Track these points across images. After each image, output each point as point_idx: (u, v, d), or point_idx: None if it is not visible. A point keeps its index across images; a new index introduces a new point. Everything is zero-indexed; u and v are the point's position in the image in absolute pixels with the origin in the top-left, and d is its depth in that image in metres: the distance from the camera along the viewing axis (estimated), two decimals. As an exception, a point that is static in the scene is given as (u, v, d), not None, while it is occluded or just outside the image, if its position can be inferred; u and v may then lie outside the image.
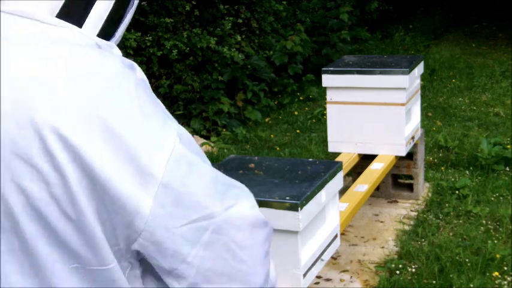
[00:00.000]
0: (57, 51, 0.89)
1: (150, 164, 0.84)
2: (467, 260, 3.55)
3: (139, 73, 0.94)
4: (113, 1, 0.98)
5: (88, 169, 0.83)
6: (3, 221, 0.85)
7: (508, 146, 5.12)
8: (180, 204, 0.86)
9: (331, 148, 4.30)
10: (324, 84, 4.19)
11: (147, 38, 5.47)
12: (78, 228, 0.85)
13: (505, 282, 3.38)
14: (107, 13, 0.98)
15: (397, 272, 3.50)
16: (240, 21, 6.97)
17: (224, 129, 6.29)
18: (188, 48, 6.10)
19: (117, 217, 0.84)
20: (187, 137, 0.90)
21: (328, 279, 3.48)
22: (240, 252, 0.91)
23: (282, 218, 2.49)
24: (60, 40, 0.91)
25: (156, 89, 5.91)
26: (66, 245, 0.85)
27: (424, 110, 6.28)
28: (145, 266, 0.93)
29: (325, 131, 4.33)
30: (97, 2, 0.96)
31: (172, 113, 5.83)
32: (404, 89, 4.07)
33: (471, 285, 3.33)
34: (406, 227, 4.07)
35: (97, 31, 0.97)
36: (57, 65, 0.87)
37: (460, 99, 7.16)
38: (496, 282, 3.38)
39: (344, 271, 3.58)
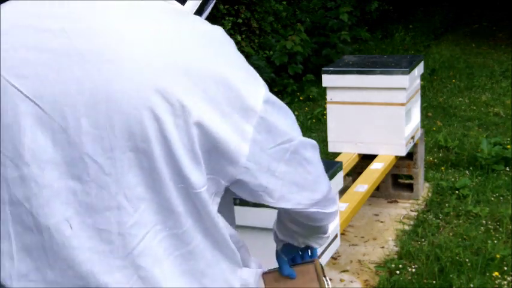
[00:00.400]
0: (178, 19, 1.14)
1: (253, 103, 1.11)
2: (467, 260, 3.55)
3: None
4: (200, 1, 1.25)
5: (200, 112, 1.07)
6: (139, 143, 1.07)
7: (508, 146, 5.12)
8: (271, 131, 1.13)
9: (331, 148, 4.30)
10: (324, 84, 4.19)
11: (147, 38, 5.47)
12: (189, 155, 1.08)
13: (505, 282, 3.38)
14: (195, 8, 1.25)
15: (397, 272, 3.50)
16: (240, 21, 6.97)
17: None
18: (188, 48, 6.08)
19: (221, 147, 1.09)
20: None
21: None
22: (308, 166, 1.20)
23: (282, 218, 2.49)
24: (178, 10, 1.17)
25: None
26: (179, 168, 1.08)
27: (424, 110, 6.28)
28: (223, 196, 1.19)
29: (325, 131, 4.34)
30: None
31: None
32: (404, 89, 4.07)
33: (471, 285, 3.33)
34: (406, 227, 4.07)
35: None
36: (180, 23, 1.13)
37: (460, 99, 7.16)
38: (496, 282, 3.38)
39: (344, 271, 3.58)
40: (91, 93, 1.07)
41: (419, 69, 4.38)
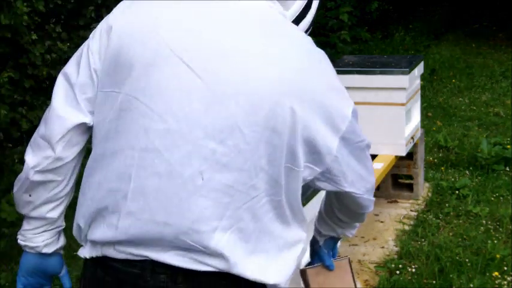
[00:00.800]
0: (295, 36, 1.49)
1: (346, 112, 1.46)
2: (467, 260, 3.55)
3: None
4: (302, 8, 1.54)
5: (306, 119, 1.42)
6: (278, 125, 1.38)
7: (508, 146, 5.12)
8: (354, 132, 1.48)
9: (331, 148, 4.29)
10: (324, 84, 4.18)
11: (147, 38, 5.48)
12: (301, 144, 1.41)
13: (505, 282, 3.38)
14: (297, 13, 1.54)
15: (397, 272, 3.50)
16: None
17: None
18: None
19: (321, 142, 1.43)
20: None
21: (328, 279, 3.48)
22: (368, 162, 1.56)
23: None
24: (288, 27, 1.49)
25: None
26: (294, 151, 1.41)
27: (424, 110, 6.28)
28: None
29: (325, 131, 4.33)
30: (296, 2, 1.53)
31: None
32: (404, 89, 4.07)
33: (471, 285, 3.33)
34: (406, 227, 4.07)
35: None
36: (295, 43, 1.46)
37: (460, 99, 7.16)
38: (496, 282, 3.38)
39: (344, 271, 3.58)
40: (248, 84, 1.37)
41: (419, 69, 4.38)
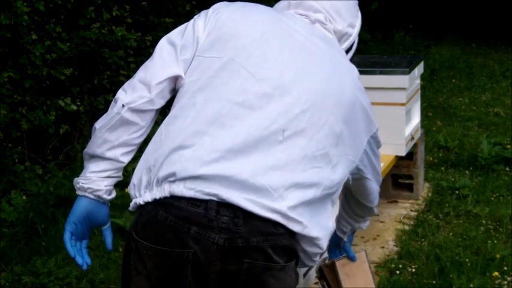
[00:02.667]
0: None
1: (374, 121, 1.83)
2: (467, 260, 3.55)
3: None
4: (353, 46, 1.95)
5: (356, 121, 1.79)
6: (347, 111, 1.74)
7: (508, 146, 5.12)
8: (375, 138, 1.87)
9: (331, 148, 4.29)
10: (324, 84, 4.18)
11: (147, 38, 5.47)
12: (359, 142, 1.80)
13: (505, 282, 3.38)
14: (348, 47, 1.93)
15: (397, 272, 3.50)
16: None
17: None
18: (188, 48, 6.07)
19: (360, 139, 1.80)
20: None
21: (328, 279, 3.48)
22: (379, 158, 1.95)
23: (282, 218, 2.49)
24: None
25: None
26: (353, 145, 1.76)
27: (424, 110, 6.28)
28: None
29: (325, 131, 4.33)
30: (350, 39, 1.93)
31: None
32: (404, 89, 4.07)
33: (471, 285, 3.33)
34: (406, 227, 4.07)
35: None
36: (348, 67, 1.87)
37: (460, 99, 7.16)
38: (496, 282, 3.38)
39: (344, 271, 3.58)
40: (336, 84, 1.75)
41: (419, 69, 4.38)
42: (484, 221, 4.07)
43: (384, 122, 4.09)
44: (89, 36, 4.67)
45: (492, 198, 4.43)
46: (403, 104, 4.08)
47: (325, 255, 2.39)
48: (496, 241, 3.79)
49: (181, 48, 1.72)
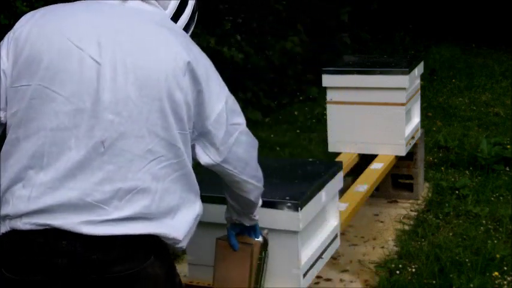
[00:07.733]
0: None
1: (223, 93, 1.82)
2: (467, 260, 3.55)
3: None
4: (176, 7, 1.86)
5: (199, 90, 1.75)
6: (167, 96, 1.66)
7: (508, 146, 5.12)
8: (230, 115, 1.82)
9: (331, 148, 4.30)
10: (324, 84, 4.19)
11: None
12: (188, 112, 1.71)
13: (505, 282, 3.38)
14: (174, 11, 1.85)
15: (397, 272, 3.50)
16: (240, 21, 6.96)
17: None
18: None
19: (202, 111, 1.75)
20: None
21: (328, 279, 3.48)
22: (254, 151, 1.95)
23: (281, 218, 2.49)
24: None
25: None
26: (180, 119, 1.70)
27: (424, 110, 6.28)
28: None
29: (325, 131, 4.33)
30: (171, 2, 1.83)
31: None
32: (404, 89, 4.07)
33: (471, 285, 3.33)
34: (406, 227, 4.07)
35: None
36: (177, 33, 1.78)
37: (460, 99, 7.16)
38: (496, 282, 3.38)
39: (344, 271, 3.58)
40: (138, 63, 1.65)
41: (419, 69, 4.38)
42: (484, 221, 4.07)
43: (384, 122, 4.11)
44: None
45: (492, 198, 4.43)
46: (403, 104, 4.08)
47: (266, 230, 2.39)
48: (496, 241, 3.79)
49: None
